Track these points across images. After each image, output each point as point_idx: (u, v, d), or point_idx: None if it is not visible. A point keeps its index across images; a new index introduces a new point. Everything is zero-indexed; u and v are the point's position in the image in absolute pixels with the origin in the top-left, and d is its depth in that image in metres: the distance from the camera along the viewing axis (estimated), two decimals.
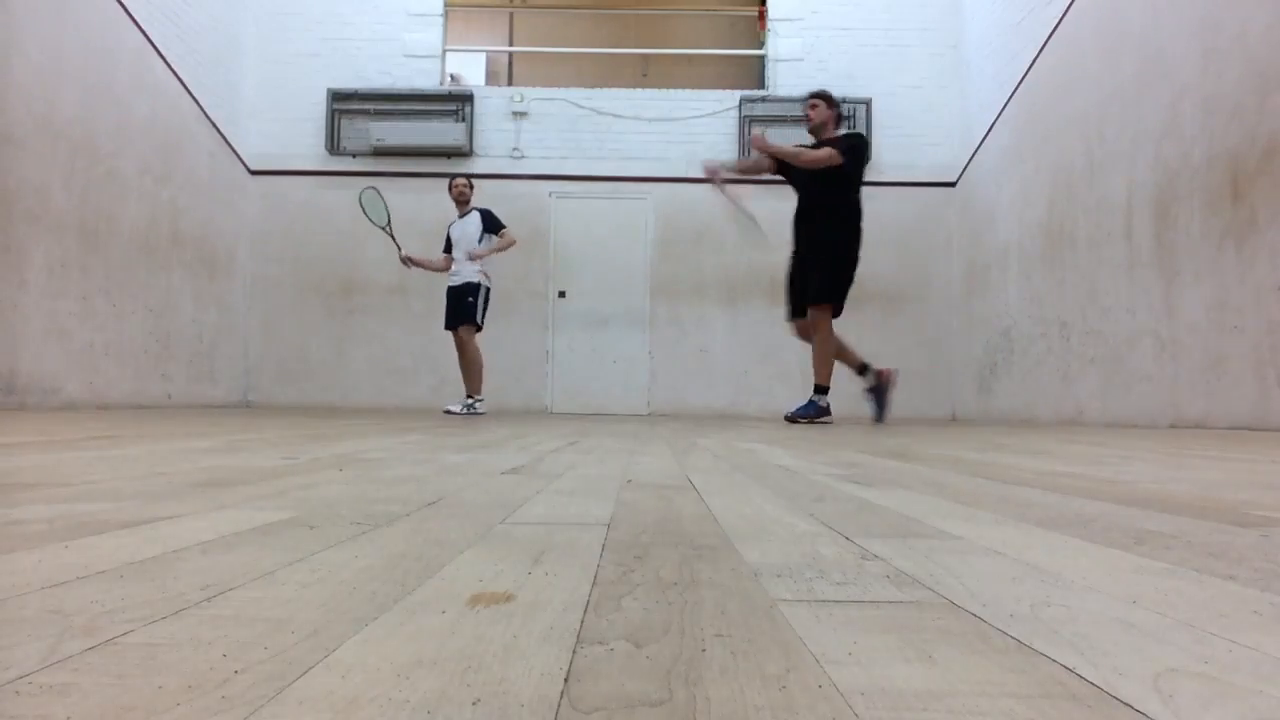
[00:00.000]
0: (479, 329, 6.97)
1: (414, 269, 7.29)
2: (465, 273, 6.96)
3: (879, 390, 5.66)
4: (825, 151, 5.39)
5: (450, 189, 7.15)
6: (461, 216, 7.10)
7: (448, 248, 7.17)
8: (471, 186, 7.19)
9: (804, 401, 5.59)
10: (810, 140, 5.71)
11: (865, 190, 9.09)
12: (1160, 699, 0.45)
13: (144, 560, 0.79)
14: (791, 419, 5.51)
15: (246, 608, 0.63)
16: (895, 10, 9.33)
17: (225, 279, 8.58)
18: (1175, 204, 5.44)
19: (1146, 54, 5.78)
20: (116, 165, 6.78)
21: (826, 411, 5.52)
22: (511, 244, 7.01)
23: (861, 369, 5.62)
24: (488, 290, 7.01)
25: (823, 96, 5.67)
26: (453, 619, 0.60)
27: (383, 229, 7.15)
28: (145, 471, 1.64)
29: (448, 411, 6.90)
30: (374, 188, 7.29)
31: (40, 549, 0.84)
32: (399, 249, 7.13)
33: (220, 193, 8.45)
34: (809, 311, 5.47)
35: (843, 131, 5.76)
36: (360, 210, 7.22)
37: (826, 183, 5.43)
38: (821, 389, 5.51)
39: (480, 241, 6.95)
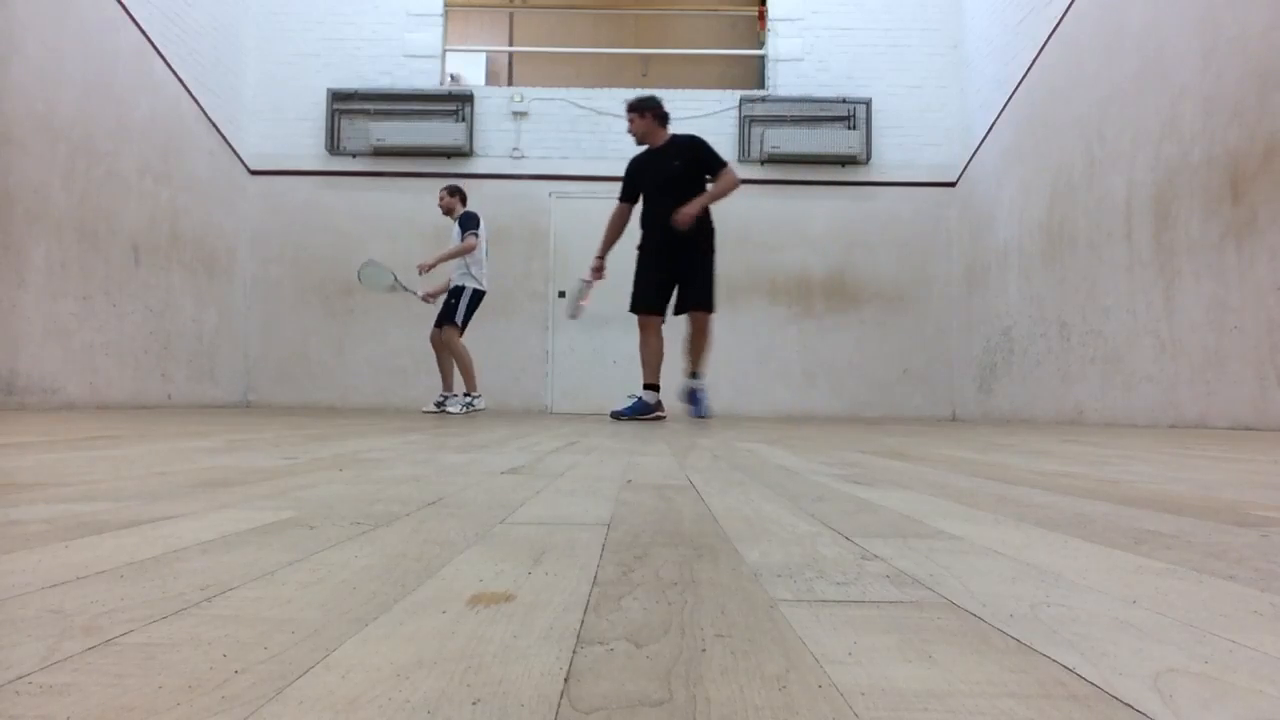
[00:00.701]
0: (460, 330, 7.00)
1: (438, 298, 7.27)
2: (454, 276, 7.04)
3: (642, 407, 5.74)
4: (731, 176, 5.60)
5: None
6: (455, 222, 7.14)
7: None
8: (453, 193, 7.20)
9: (697, 399, 5.75)
10: (642, 149, 5.82)
11: (865, 190, 9.25)
12: (1160, 699, 0.45)
13: (144, 560, 0.79)
14: (700, 416, 5.70)
15: (246, 608, 0.63)
16: (895, 10, 9.33)
17: (225, 279, 8.58)
18: (1175, 204, 5.44)
19: (1146, 54, 5.78)
20: (116, 165, 6.78)
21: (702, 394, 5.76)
22: (460, 251, 6.92)
23: (654, 386, 5.76)
24: (473, 292, 7.00)
25: (636, 108, 5.74)
26: (452, 619, 0.60)
27: (392, 289, 7.19)
28: (145, 471, 1.64)
29: (446, 412, 6.93)
30: (369, 261, 7.29)
31: (40, 549, 0.84)
32: (416, 294, 7.17)
33: (220, 193, 8.45)
34: (701, 317, 5.62)
35: (683, 133, 5.87)
36: (360, 281, 7.25)
37: (694, 192, 5.57)
38: (695, 375, 5.77)
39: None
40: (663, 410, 5.81)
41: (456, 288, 6.98)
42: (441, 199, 7.17)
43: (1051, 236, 7.02)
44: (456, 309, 6.94)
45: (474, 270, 6.98)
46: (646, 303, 5.66)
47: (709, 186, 5.62)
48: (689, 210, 5.41)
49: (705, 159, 5.63)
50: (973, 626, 0.60)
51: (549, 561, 0.82)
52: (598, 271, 5.91)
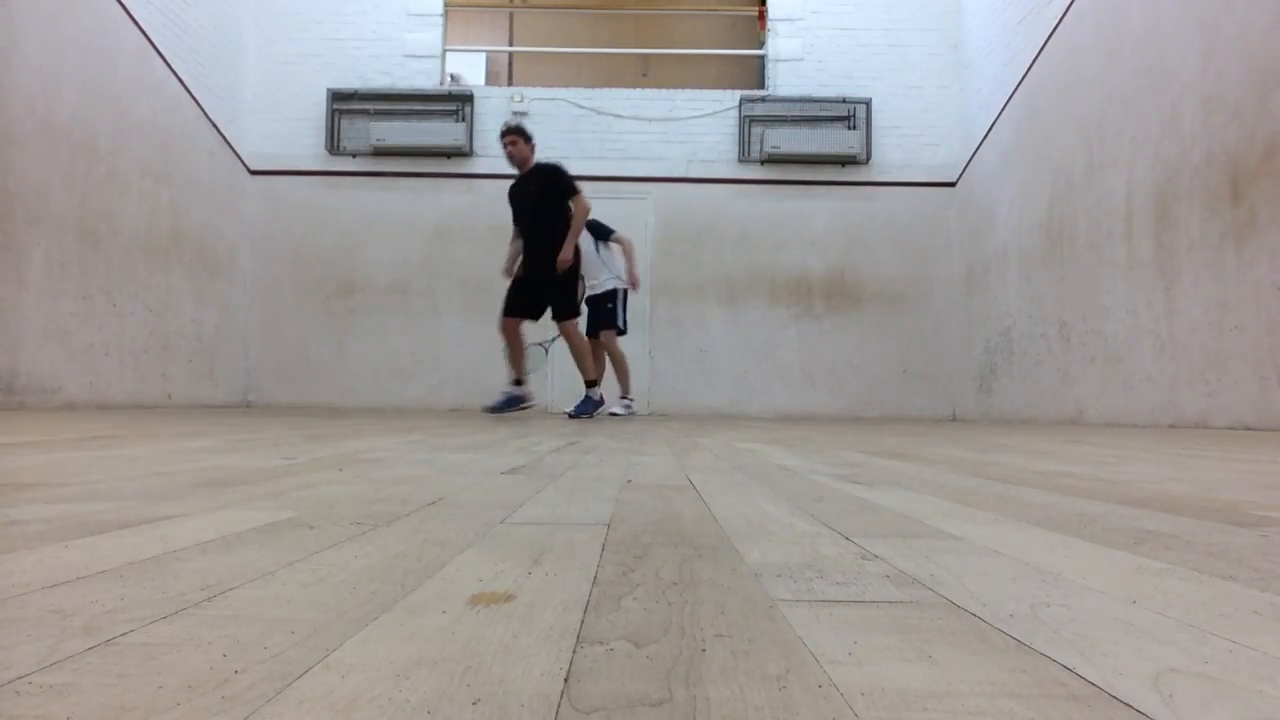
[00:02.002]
0: (622, 333, 6.95)
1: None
2: (605, 280, 6.92)
3: (511, 400, 6.06)
4: (580, 206, 5.93)
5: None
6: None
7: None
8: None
9: (581, 399, 6.09)
10: (517, 172, 6.10)
11: (865, 190, 9.25)
12: (1160, 699, 0.45)
13: (144, 560, 0.79)
14: (574, 416, 6.03)
15: (246, 608, 0.63)
16: (895, 10, 9.33)
17: (225, 279, 8.58)
18: (1175, 204, 5.44)
19: (1146, 54, 5.78)
20: (116, 165, 6.78)
21: (602, 402, 6.18)
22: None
23: (519, 381, 6.07)
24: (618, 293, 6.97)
25: (517, 131, 6.03)
26: (453, 619, 0.60)
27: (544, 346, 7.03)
28: (145, 471, 1.64)
29: (612, 413, 6.78)
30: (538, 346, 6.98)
31: (40, 549, 0.84)
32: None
33: (220, 193, 8.45)
34: (561, 325, 6.02)
35: (546, 161, 6.16)
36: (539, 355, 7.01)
37: (554, 215, 5.94)
38: (592, 383, 6.11)
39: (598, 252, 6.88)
40: (528, 401, 6.17)
41: (609, 291, 6.89)
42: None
43: (1051, 236, 7.02)
44: (614, 313, 6.93)
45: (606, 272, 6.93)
46: (507, 309, 6.03)
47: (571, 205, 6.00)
48: (563, 257, 5.84)
49: (560, 188, 5.94)
50: (973, 626, 0.60)
51: (549, 561, 0.82)
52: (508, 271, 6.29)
